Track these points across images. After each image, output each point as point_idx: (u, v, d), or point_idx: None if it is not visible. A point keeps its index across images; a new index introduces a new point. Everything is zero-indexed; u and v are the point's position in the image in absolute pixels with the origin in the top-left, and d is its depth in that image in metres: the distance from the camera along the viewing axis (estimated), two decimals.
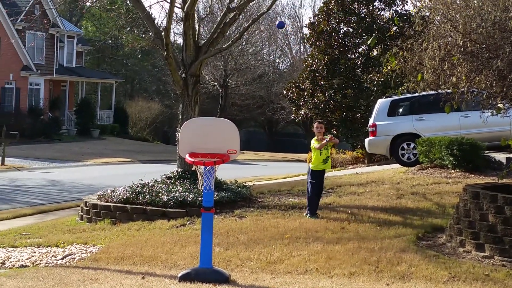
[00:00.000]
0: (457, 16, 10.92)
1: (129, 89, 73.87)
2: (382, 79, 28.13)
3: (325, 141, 13.61)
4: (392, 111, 20.51)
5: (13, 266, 11.86)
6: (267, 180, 25.02)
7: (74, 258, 12.07)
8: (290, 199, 15.56)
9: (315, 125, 14.03)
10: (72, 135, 50.92)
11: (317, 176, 13.81)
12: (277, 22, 10.70)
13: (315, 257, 10.84)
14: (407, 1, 31.45)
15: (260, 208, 14.77)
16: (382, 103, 20.86)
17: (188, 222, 14.12)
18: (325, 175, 14.60)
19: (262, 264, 10.70)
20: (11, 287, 9.36)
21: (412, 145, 19.78)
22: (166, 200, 14.99)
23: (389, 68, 18.27)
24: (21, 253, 12.82)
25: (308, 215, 13.63)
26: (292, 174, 28.66)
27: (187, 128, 10.33)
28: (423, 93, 15.44)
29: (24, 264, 11.92)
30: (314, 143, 13.77)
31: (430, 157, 18.20)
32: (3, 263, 12.12)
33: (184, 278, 9.62)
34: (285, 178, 25.65)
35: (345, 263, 10.43)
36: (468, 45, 10.82)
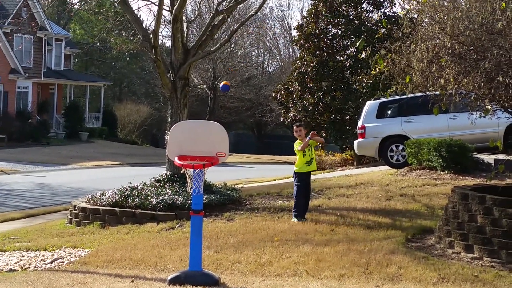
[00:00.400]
0: (445, 18, 10.95)
1: (118, 92, 73.75)
2: (371, 81, 28.21)
3: (307, 138, 13.35)
4: (380, 113, 20.57)
5: (2, 270, 11.81)
6: (256, 183, 25.02)
7: (63, 262, 12.03)
8: (280, 202, 15.56)
9: (294, 128, 13.85)
10: (60, 138, 50.78)
11: (302, 179, 13.54)
12: (221, 85, 10.81)
13: (305, 259, 10.84)
14: (395, 3, 31.59)
15: (250, 210, 14.77)
16: (370, 105, 20.91)
17: (178, 225, 14.10)
18: (313, 177, 14.62)
19: (252, 267, 10.70)
20: None
21: (401, 147, 19.83)
22: (155, 203, 14.96)
23: (377, 70, 18.36)
24: (9, 257, 12.76)
25: (294, 218, 13.44)
26: (282, 176, 28.67)
27: (176, 131, 10.33)
28: (412, 95, 15.49)
29: (12, 268, 11.87)
30: (296, 146, 13.58)
31: (418, 158, 18.25)
32: (6, 265, 12.06)
33: (174, 281, 9.61)
34: (274, 180, 25.66)
35: (334, 265, 10.43)
36: (456, 47, 10.86)
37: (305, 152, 13.42)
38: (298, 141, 13.49)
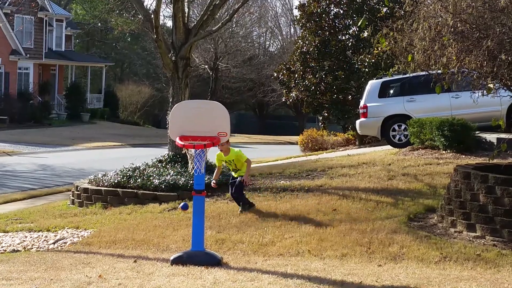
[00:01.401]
0: None
1: (119, 73, 73.65)
2: (373, 60, 28.10)
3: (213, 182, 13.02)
4: (383, 92, 20.50)
5: (5, 251, 11.84)
6: (258, 163, 24.98)
7: (65, 243, 12.06)
8: (282, 182, 15.55)
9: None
10: (62, 119, 50.75)
11: (231, 183, 13.38)
12: (181, 204, 10.99)
13: (307, 239, 10.86)
14: None
15: (252, 190, 14.75)
16: (373, 84, 20.84)
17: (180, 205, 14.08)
18: (316, 157, 14.58)
19: (254, 247, 10.72)
20: (3, 272, 9.33)
21: (403, 127, 19.78)
22: (157, 183, 14.96)
23: (379, 49, 18.24)
24: (12, 238, 12.79)
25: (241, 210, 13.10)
26: (284, 156, 28.66)
27: (178, 111, 10.30)
28: (414, 74, 15.43)
29: (15, 249, 11.90)
30: (218, 159, 13.09)
31: (421, 138, 18.20)
32: None
33: (176, 261, 9.62)
34: (276, 160, 25.64)
35: (337, 245, 10.45)
36: (459, 25, 10.80)
37: (229, 163, 13.17)
38: (220, 152, 12.91)
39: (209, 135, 9.92)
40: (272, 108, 65.77)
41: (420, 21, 11.29)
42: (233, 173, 13.23)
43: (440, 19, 11.11)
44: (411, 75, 16.74)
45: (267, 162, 24.97)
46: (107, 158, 30.17)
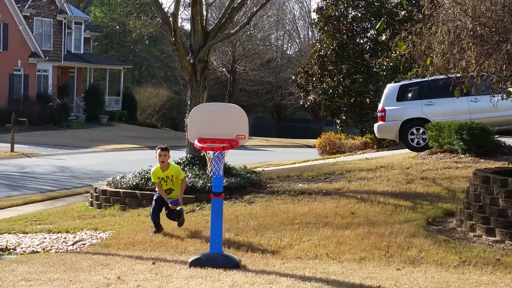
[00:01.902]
0: None
1: (137, 76, 73.88)
2: (391, 63, 28.04)
3: (169, 202, 12.07)
4: (401, 96, 20.44)
5: (24, 252, 11.91)
6: (276, 166, 25.03)
7: (84, 244, 12.11)
8: (300, 185, 15.55)
9: (158, 151, 12.02)
10: (80, 121, 51.00)
11: (156, 199, 12.28)
12: (172, 201, 11.35)
13: (325, 242, 10.85)
14: None
15: (270, 193, 14.78)
16: (391, 88, 20.79)
17: (198, 208, 14.13)
18: (333, 160, 14.52)
19: (272, 249, 10.72)
20: (22, 273, 9.39)
21: (421, 130, 19.72)
22: None
23: (398, 52, 18.20)
24: (31, 239, 12.86)
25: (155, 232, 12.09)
26: (301, 159, 28.64)
27: (196, 114, 10.32)
28: (433, 77, 15.39)
29: (35, 250, 11.97)
30: (154, 176, 12.18)
31: (439, 142, 18.15)
32: (14, 249, 12.17)
33: (195, 263, 9.64)
34: (294, 163, 25.64)
35: (355, 248, 10.43)
36: (478, 28, 10.76)
37: (165, 182, 12.13)
38: (157, 167, 12.04)
39: (228, 137, 9.93)
40: (289, 111, 65.71)
41: (439, 25, 11.27)
42: (161, 193, 12.04)
43: (459, 22, 11.08)
44: (430, 78, 16.71)
45: (284, 165, 24.98)
46: (125, 160, 30.27)
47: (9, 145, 32.43)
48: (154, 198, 12.27)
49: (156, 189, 12.19)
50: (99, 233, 12.92)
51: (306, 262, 9.96)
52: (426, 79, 18.06)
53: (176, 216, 12.16)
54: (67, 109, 50.02)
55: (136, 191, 15.33)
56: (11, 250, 12.15)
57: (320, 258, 10.20)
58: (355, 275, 8.95)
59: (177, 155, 18.45)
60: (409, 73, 17.20)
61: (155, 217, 12.10)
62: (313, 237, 11.18)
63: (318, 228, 11.63)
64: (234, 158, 17.34)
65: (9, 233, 13.62)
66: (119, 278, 8.88)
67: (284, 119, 67.96)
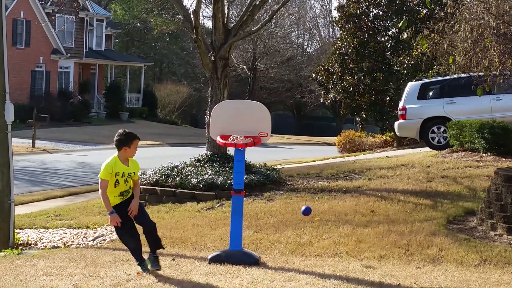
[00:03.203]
0: None
1: (158, 73, 74.09)
2: (412, 62, 27.95)
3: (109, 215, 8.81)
4: (422, 94, 20.36)
5: (45, 247, 11.99)
6: (296, 163, 25.00)
7: (104, 240, 12.17)
8: (320, 182, 15.53)
9: (132, 140, 8.86)
10: (101, 118, 51.22)
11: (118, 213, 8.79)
12: (303, 208, 10.35)
13: (345, 240, 10.83)
14: None
15: (290, 191, 14.77)
16: (412, 86, 20.70)
17: (218, 204, 14.15)
18: (353, 158, 14.43)
19: (292, 247, 10.71)
20: (43, 268, 9.45)
21: (442, 129, 19.63)
22: (195, 182, 15.03)
23: (419, 51, 18.18)
24: (52, 234, 12.95)
25: (139, 267, 8.99)
26: (321, 157, 28.60)
27: (218, 110, 10.32)
28: (454, 76, 15.32)
29: (55, 245, 12.04)
30: (106, 172, 8.71)
31: (460, 140, 18.05)
32: (36, 244, 12.26)
33: (214, 260, 9.64)
34: (314, 161, 25.60)
35: (375, 246, 10.40)
36: (501, 27, 10.71)
37: (118, 183, 8.74)
38: (116, 158, 8.79)
39: (250, 135, 9.92)
40: (309, 109, 65.65)
41: (462, 23, 11.22)
42: (118, 194, 8.78)
43: (482, 21, 11.02)
44: (452, 77, 16.60)
45: (304, 162, 24.95)
46: (145, 156, 30.31)
47: (31, 141, 32.64)
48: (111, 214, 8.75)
49: (100, 192, 8.71)
50: None
51: (326, 260, 9.94)
52: (447, 77, 17.94)
53: (147, 219, 9.07)
54: (88, 105, 50.26)
55: (156, 188, 15.38)
56: (32, 245, 12.24)
57: (339, 256, 10.19)
58: (374, 273, 8.93)
59: (197, 151, 18.49)
60: (430, 71, 17.16)
61: (129, 241, 8.98)
62: (333, 234, 11.16)
63: (337, 226, 11.61)
64: (254, 156, 17.35)
65: (30, 228, 13.73)
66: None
67: (304, 117, 67.91)
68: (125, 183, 8.75)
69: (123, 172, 8.73)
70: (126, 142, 8.82)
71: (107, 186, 8.66)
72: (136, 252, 8.98)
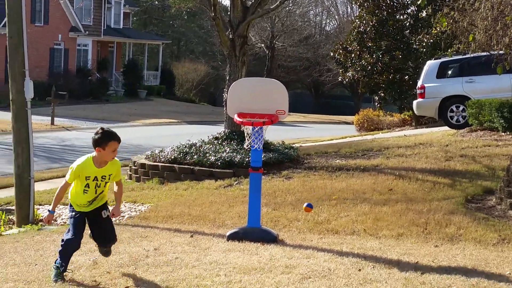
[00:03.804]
0: None
1: (176, 51, 74.09)
2: (431, 40, 27.76)
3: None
4: (441, 73, 20.26)
5: (65, 223, 12.09)
6: (313, 142, 24.99)
7: (123, 216, 12.25)
8: (337, 161, 15.52)
9: (109, 141, 7.37)
10: (119, 96, 51.36)
11: (77, 223, 7.49)
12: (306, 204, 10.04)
13: (363, 218, 10.83)
14: None
15: (307, 169, 14.77)
16: (431, 64, 20.60)
17: (235, 182, 14.19)
18: (371, 137, 14.35)
19: (310, 225, 10.74)
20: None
21: (461, 108, 19.54)
22: (213, 160, 15.07)
23: (439, 29, 18.04)
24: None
25: (54, 277, 7.34)
26: (339, 136, 28.57)
27: (236, 88, 10.32)
28: (474, 54, 15.23)
29: None
30: (75, 174, 7.44)
31: (479, 119, 17.96)
32: (55, 220, 12.36)
33: (232, 237, 9.68)
34: (332, 140, 25.58)
35: (393, 225, 10.40)
36: None
37: (88, 188, 7.45)
38: (89, 159, 7.47)
39: (268, 112, 9.92)
40: (327, 87, 65.45)
41: (482, 0, 11.12)
42: (85, 203, 7.51)
43: None
44: (471, 55, 16.51)
45: (322, 141, 24.93)
46: (163, 134, 30.46)
47: (50, 118, 32.82)
48: (72, 216, 7.56)
49: (58, 189, 7.61)
50: (137, 205, 13.05)
51: (344, 238, 9.96)
52: (467, 56, 17.84)
53: (110, 234, 7.75)
54: (106, 83, 50.40)
55: (175, 165, 15.43)
56: (52, 221, 12.33)
57: (357, 234, 10.20)
58: (392, 251, 8.94)
59: (215, 129, 18.52)
60: (450, 50, 17.07)
61: (70, 250, 7.46)
62: (351, 213, 11.17)
63: (355, 204, 11.61)
64: (272, 134, 17.35)
65: (50, 205, 13.82)
66: (158, 250, 8.98)
67: (322, 96, 67.75)
68: (95, 188, 7.40)
69: (95, 176, 7.38)
70: (100, 143, 7.34)
71: (66, 189, 7.55)
72: (67, 257, 7.42)
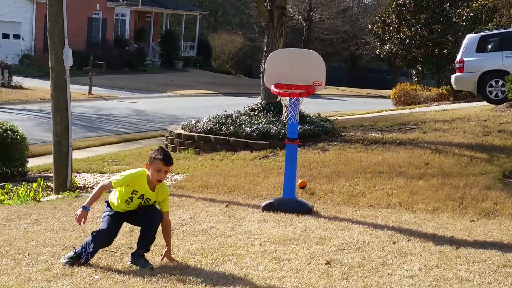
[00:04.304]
0: None
1: (213, 22, 73.94)
2: (472, 14, 27.36)
3: None
4: (481, 47, 19.98)
5: None
6: (349, 115, 24.90)
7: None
8: (373, 134, 15.46)
9: (159, 160, 6.78)
10: (156, 66, 51.51)
11: (112, 219, 7.00)
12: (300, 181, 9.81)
13: (398, 191, 10.80)
14: None
15: (343, 142, 14.74)
16: (470, 38, 20.32)
17: (271, 153, 14.21)
18: (408, 111, 14.27)
19: (345, 197, 10.74)
20: (100, 210, 9.61)
21: (500, 82, 19.28)
22: (249, 131, 15.09)
23: (479, 2, 17.80)
24: (108, 178, 13.16)
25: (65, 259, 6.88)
26: (375, 110, 28.41)
27: (273, 59, 10.30)
28: None
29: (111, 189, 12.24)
30: (130, 180, 6.90)
31: None
32: (92, 188, 12.51)
33: (268, 207, 9.72)
34: (368, 113, 25.45)
35: (428, 199, 10.36)
36: None
37: (131, 201, 6.93)
38: (143, 173, 6.90)
39: (304, 83, 9.90)
40: (364, 61, 64.96)
41: None
42: (124, 209, 7.00)
43: None
44: None
45: (358, 114, 24.82)
46: (199, 105, 30.55)
47: (87, 87, 33.07)
48: (107, 215, 7.07)
49: (97, 189, 7.20)
50: (173, 175, 13.14)
51: (379, 211, 9.95)
52: (508, 29, 17.56)
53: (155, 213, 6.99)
54: (143, 53, 50.54)
55: (210, 136, 15.48)
56: (89, 189, 12.49)
57: (392, 207, 10.18)
58: (427, 225, 8.91)
59: (251, 101, 18.52)
60: (490, 23, 16.83)
61: (97, 245, 6.86)
62: (386, 186, 11.14)
63: (391, 178, 11.57)
64: (308, 107, 17.29)
65: (87, 172, 14.00)
66: (193, 219, 9.04)
67: (359, 69, 67.30)
68: (138, 204, 6.95)
69: (142, 195, 6.91)
70: (149, 158, 6.90)
71: (106, 190, 7.18)
72: (93, 250, 6.85)
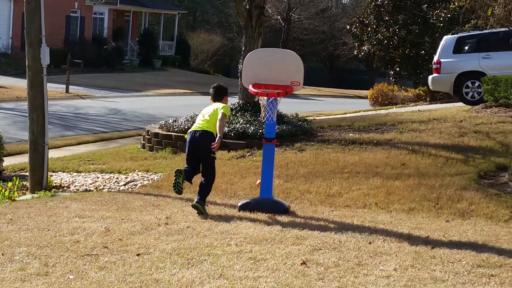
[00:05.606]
0: None
1: (191, 21, 73.81)
2: (449, 15, 27.57)
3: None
4: (458, 48, 20.09)
5: (78, 190, 12.17)
6: (327, 115, 24.95)
7: (136, 185, 12.31)
8: (351, 134, 15.50)
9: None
10: (134, 65, 51.31)
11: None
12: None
13: (375, 191, 10.85)
14: None
15: (320, 142, 14.77)
16: (448, 39, 20.44)
17: (248, 153, 14.21)
18: (385, 111, 14.31)
19: (321, 197, 10.76)
20: (76, 210, 9.61)
21: (477, 84, 19.40)
22: (226, 131, 15.04)
23: (457, 3, 17.89)
24: (85, 178, 13.12)
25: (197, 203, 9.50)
26: (353, 110, 28.51)
27: (251, 59, 10.31)
28: (492, 30, 15.08)
29: (88, 189, 12.21)
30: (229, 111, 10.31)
31: (495, 96, 17.85)
32: (68, 187, 12.44)
33: (244, 207, 9.73)
34: (345, 113, 25.53)
35: (404, 199, 10.41)
36: None
37: None
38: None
39: (282, 83, 9.91)
40: (342, 61, 65.18)
41: None
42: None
43: None
44: (489, 31, 16.37)
45: (336, 114, 24.89)
46: (177, 104, 30.47)
47: (64, 86, 32.88)
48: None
49: (223, 123, 9.90)
50: (150, 174, 13.10)
51: (355, 211, 9.98)
52: (484, 31, 17.67)
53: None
54: (121, 52, 50.32)
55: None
56: (65, 188, 12.42)
57: (369, 207, 10.22)
58: (403, 225, 8.96)
59: (229, 101, 18.45)
60: (467, 25, 16.92)
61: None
62: (363, 186, 11.18)
63: (367, 178, 11.62)
64: (286, 107, 17.31)
65: (63, 172, 13.92)
66: (169, 218, 9.03)
67: (337, 69, 67.47)
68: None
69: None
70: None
71: (226, 118, 10.13)
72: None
